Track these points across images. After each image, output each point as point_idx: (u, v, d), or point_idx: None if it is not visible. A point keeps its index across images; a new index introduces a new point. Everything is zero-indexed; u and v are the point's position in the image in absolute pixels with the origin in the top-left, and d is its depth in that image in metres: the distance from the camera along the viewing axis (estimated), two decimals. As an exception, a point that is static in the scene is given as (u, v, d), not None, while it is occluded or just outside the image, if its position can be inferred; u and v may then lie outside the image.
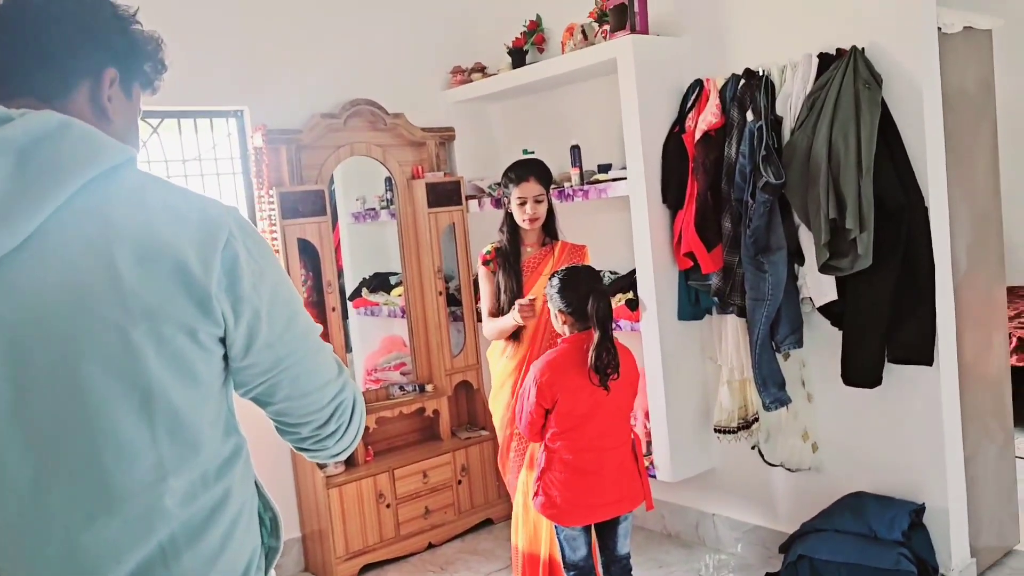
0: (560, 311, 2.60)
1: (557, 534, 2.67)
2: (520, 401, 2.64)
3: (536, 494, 2.63)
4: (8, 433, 0.94)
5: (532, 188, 3.00)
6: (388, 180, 4.06)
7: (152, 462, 0.98)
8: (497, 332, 3.07)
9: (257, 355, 1.06)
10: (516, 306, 2.90)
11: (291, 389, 1.11)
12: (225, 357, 1.06)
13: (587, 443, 2.55)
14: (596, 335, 2.49)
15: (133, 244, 0.96)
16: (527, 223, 3.01)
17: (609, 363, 2.48)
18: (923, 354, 2.78)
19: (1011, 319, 4.72)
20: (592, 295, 2.51)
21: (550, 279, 2.66)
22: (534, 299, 2.89)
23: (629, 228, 3.36)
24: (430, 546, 3.85)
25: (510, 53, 3.89)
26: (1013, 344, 4.52)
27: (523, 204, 3.00)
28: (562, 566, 2.70)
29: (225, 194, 3.73)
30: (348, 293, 4.19)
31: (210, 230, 1.01)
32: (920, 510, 2.86)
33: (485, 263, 3.12)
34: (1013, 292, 5.43)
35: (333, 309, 3.72)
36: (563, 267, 2.69)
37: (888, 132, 2.74)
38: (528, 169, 3.04)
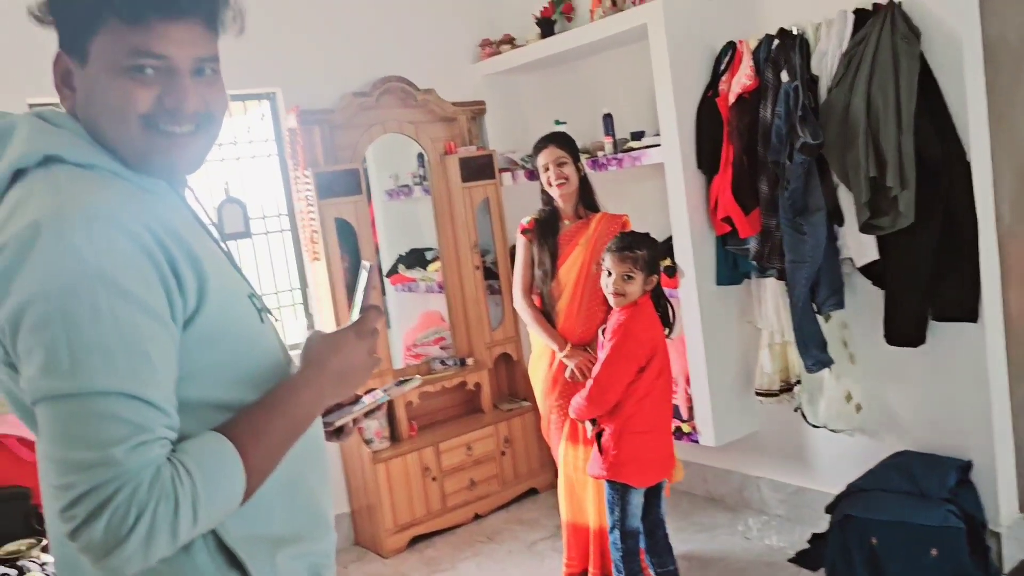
0: (654, 274, 2.69)
1: (627, 502, 2.68)
2: (603, 371, 2.63)
3: (618, 462, 2.63)
4: None
5: (552, 153, 3.04)
6: (421, 156, 4.08)
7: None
8: (533, 331, 3.14)
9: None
10: (574, 358, 2.98)
11: (39, 435, 0.93)
12: None
13: (669, 395, 2.76)
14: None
15: None
16: (556, 190, 3.03)
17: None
18: (967, 311, 2.75)
19: (1056, 273, 4.64)
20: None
21: (620, 253, 2.65)
22: (584, 372, 2.94)
23: (664, 195, 3.35)
24: (476, 517, 3.91)
25: (538, 23, 3.87)
26: (1058, 298, 4.44)
27: (547, 170, 3.06)
28: (619, 537, 2.71)
29: (261, 176, 3.78)
30: (385, 270, 4.23)
31: None
32: (967, 467, 2.85)
33: (523, 232, 3.15)
34: (1057, 246, 5.33)
35: (373, 287, 3.75)
36: (622, 241, 2.69)
37: (927, 87, 2.70)
38: (547, 138, 3.12)
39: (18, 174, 0.97)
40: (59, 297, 0.87)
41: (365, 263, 1.22)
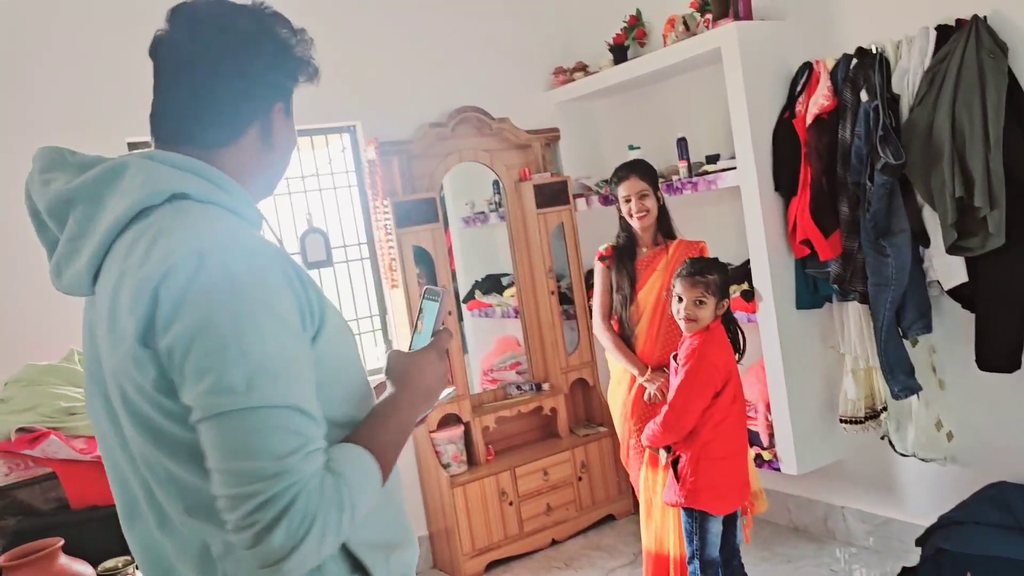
0: (725, 299, 2.68)
1: (706, 530, 2.65)
2: (679, 396, 2.62)
3: (696, 489, 2.61)
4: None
5: (634, 185, 3.04)
6: (496, 183, 4.13)
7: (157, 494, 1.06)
8: (611, 356, 3.13)
9: (182, 397, 0.97)
10: (654, 381, 2.97)
11: (206, 447, 0.95)
12: None
13: (744, 421, 2.73)
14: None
15: (110, 294, 1.01)
16: (636, 221, 3.04)
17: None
18: (1067, 335, 2.63)
19: None
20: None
21: (692, 278, 2.64)
22: (665, 393, 2.93)
23: (741, 218, 3.31)
24: (553, 542, 3.90)
25: (611, 50, 3.89)
26: None
27: (628, 201, 3.05)
28: (699, 567, 2.67)
29: (342, 206, 3.90)
30: (462, 296, 4.29)
31: (153, 270, 0.96)
32: (1070, 500, 2.70)
33: (601, 259, 3.16)
34: None
35: (449, 313, 3.82)
36: (693, 267, 2.68)
37: (1016, 103, 2.60)
38: (630, 167, 3.11)
39: (144, 210, 1.04)
40: (230, 322, 0.93)
41: (435, 288, 1.26)
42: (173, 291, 0.94)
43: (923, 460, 3.05)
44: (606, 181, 3.53)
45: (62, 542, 1.92)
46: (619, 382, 3.15)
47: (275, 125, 1.14)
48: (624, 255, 3.10)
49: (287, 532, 0.92)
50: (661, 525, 2.99)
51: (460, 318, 4.15)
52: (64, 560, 1.92)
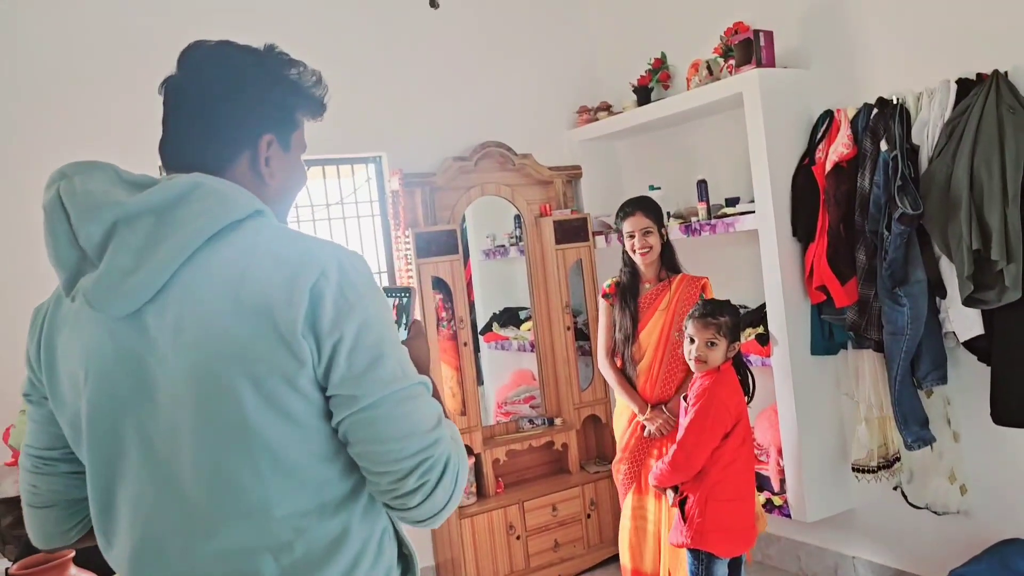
0: (737, 341, 2.71)
1: (712, 573, 2.65)
2: (689, 436, 2.63)
3: (703, 530, 2.61)
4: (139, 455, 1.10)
5: (639, 221, 3.08)
6: (517, 218, 4.18)
7: (252, 492, 1.05)
8: (615, 391, 3.18)
9: (335, 389, 1.05)
10: (653, 421, 3.01)
11: (367, 433, 1.06)
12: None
13: (752, 464, 2.75)
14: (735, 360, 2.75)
15: (229, 293, 1.03)
16: (639, 257, 3.07)
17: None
18: (1083, 392, 2.61)
19: None
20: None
21: (704, 319, 2.67)
22: (664, 432, 2.98)
23: (758, 262, 3.33)
24: (560, 579, 3.88)
25: (635, 91, 3.95)
26: None
27: (632, 237, 3.10)
28: None
29: (364, 235, 3.96)
30: (479, 328, 4.32)
31: (303, 271, 1.04)
32: (1085, 560, 2.66)
33: (604, 296, 3.20)
34: None
35: (465, 344, 3.85)
36: (706, 308, 2.71)
37: (1036, 158, 2.62)
38: (635, 204, 3.16)
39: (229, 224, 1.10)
40: (379, 318, 1.08)
41: (399, 287, 1.37)
42: (332, 291, 1.04)
43: (936, 513, 3.02)
44: (617, 219, 3.57)
45: (73, 554, 1.95)
46: (621, 413, 3.22)
47: (262, 157, 1.17)
48: (627, 292, 3.14)
49: (445, 487, 1.09)
50: (650, 547, 3.03)
51: (476, 349, 4.17)
52: (74, 572, 1.96)
